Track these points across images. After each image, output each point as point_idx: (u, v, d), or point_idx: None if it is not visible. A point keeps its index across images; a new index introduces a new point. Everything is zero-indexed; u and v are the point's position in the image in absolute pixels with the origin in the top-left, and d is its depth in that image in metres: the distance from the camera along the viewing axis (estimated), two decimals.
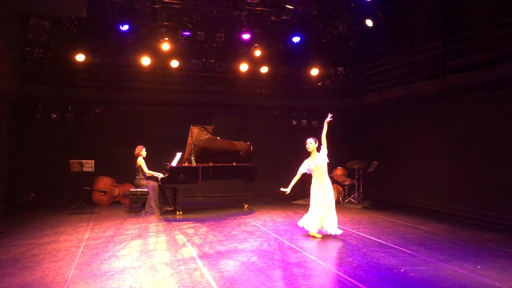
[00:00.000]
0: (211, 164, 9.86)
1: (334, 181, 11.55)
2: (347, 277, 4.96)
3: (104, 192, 10.85)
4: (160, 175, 9.49)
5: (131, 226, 8.06)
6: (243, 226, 8.13)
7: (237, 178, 10.42)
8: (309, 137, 7.45)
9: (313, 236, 7.36)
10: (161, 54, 11.49)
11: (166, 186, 9.73)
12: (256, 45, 11.76)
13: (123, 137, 11.46)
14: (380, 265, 5.50)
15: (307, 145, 7.39)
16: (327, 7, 11.13)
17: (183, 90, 12.35)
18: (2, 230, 7.57)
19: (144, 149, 9.60)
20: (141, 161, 9.51)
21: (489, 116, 8.88)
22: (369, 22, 10.81)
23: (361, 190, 11.38)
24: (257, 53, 11.89)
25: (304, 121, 13.23)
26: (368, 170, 11.23)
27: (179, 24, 11.04)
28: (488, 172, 8.80)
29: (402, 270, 5.26)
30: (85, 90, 11.49)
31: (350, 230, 7.83)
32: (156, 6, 10.11)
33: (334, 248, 6.65)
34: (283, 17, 10.94)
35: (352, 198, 11.41)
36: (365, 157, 11.46)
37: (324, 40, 11.94)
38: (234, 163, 10.36)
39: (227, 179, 10.63)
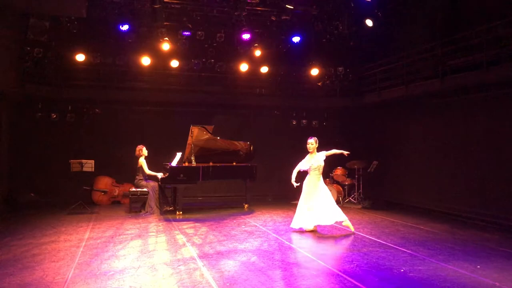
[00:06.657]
0: (211, 164, 9.86)
1: (334, 181, 11.59)
2: (347, 277, 4.96)
3: (104, 192, 10.85)
4: (160, 175, 9.50)
5: (131, 226, 8.06)
6: (243, 226, 8.13)
7: (237, 178, 10.42)
8: (310, 137, 7.60)
9: (310, 231, 7.45)
10: (161, 54, 11.48)
11: (166, 186, 9.73)
12: (256, 45, 11.74)
13: (123, 137, 11.47)
14: (380, 265, 5.50)
15: (308, 145, 7.55)
16: (327, 7, 11.12)
17: (183, 90, 12.33)
18: (2, 230, 7.57)
19: (144, 148, 9.60)
20: (142, 162, 9.51)
21: (489, 116, 8.88)
22: (369, 22, 10.80)
23: (361, 190, 11.37)
24: (257, 53, 11.88)
25: (304, 121, 13.23)
26: (368, 170, 11.23)
27: (179, 24, 11.04)
28: (488, 172, 8.80)
29: (402, 270, 5.26)
30: (85, 90, 11.48)
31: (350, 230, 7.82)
32: (156, 6, 10.10)
33: (334, 248, 6.66)
34: (283, 17, 10.92)
35: (352, 198, 11.41)
36: (365, 157, 11.45)
37: (324, 40, 11.93)
38: (234, 163, 10.36)
39: (227, 179, 10.62)
